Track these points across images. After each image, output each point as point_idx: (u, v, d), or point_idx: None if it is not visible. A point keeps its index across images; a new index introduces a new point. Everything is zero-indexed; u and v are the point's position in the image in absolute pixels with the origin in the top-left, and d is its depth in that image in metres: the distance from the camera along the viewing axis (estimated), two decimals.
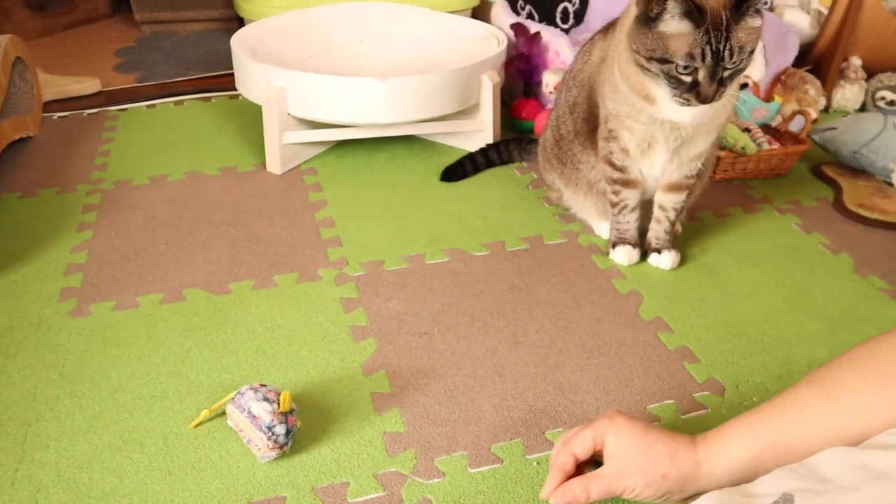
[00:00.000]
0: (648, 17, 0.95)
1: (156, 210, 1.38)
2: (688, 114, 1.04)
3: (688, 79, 0.97)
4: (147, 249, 1.26)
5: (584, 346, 1.06)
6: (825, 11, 1.98)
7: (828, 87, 1.91)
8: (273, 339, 1.05)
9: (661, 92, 1.02)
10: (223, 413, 0.92)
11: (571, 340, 1.07)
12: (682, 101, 0.99)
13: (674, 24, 0.94)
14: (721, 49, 0.93)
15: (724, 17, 0.92)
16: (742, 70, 0.98)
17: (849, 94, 1.93)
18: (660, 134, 1.09)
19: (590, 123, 1.19)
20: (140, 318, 1.10)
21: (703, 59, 0.94)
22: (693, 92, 0.97)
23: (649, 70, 0.99)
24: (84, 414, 0.92)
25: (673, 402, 0.97)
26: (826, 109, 1.92)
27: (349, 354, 1.03)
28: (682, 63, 0.95)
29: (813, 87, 1.86)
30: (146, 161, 1.57)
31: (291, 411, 0.86)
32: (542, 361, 1.02)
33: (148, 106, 1.86)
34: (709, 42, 0.93)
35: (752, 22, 0.94)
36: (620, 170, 1.17)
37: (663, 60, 0.96)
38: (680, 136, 1.09)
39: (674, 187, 1.19)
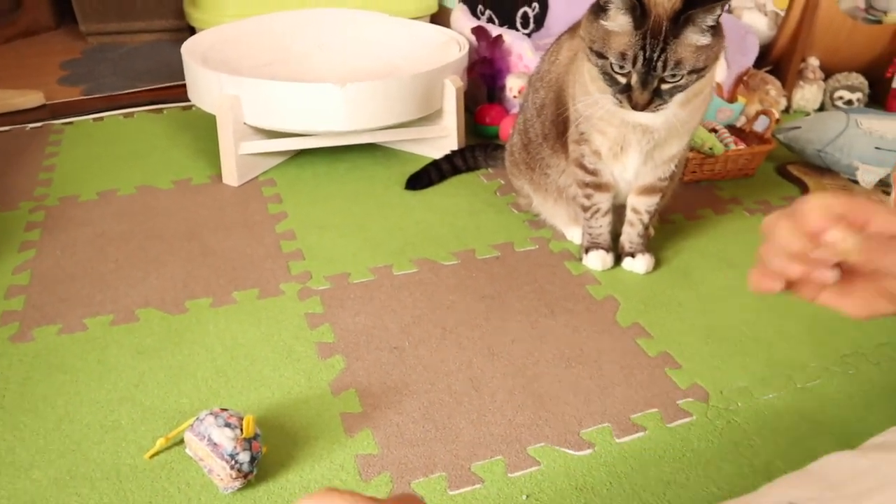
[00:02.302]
0: (599, 7, 0.94)
1: (104, 226, 1.30)
2: (660, 116, 1.01)
3: (622, 79, 0.95)
4: (95, 268, 1.18)
5: (562, 355, 1.01)
6: (781, 13, 1.99)
7: (787, 88, 1.91)
8: (234, 360, 0.99)
9: None
10: (181, 441, 0.85)
11: (548, 350, 1.02)
12: (615, 101, 0.97)
13: (616, 20, 0.92)
14: (654, 57, 0.91)
15: (664, 27, 0.90)
16: (682, 87, 0.95)
17: (808, 94, 1.93)
18: (632, 137, 1.06)
19: (559, 126, 1.16)
20: (88, 341, 1.02)
21: (635, 63, 0.92)
22: (626, 95, 0.95)
23: (591, 61, 0.98)
24: (26, 448, 0.85)
25: (657, 410, 0.93)
26: (786, 110, 1.92)
27: (316, 373, 0.97)
28: (615, 61, 0.93)
29: (774, 88, 1.86)
30: (94, 175, 1.49)
31: (256, 437, 0.80)
32: (519, 373, 0.98)
33: (95, 119, 1.77)
34: (643, 47, 0.91)
35: (695, 38, 0.91)
36: (592, 173, 1.13)
37: (600, 55, 0.95)
38: (653, 139, 1.06)
39: (647, 190, 1.16)
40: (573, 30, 1.16)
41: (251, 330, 1.04)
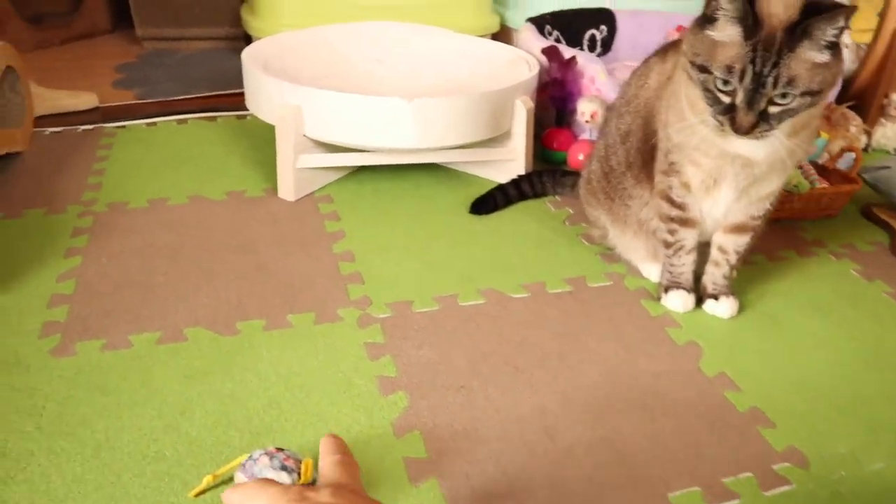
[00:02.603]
0: (705, 18, 0.86)
1: (154, 236, 1.24)
2: (763, 148, 0.92)
3: (726, 98, 0.86)
4: (143, 280, 1.12)
5: (644, 405, 0.92)
6: (862, 46, 1.89)
7: (868, 125, 1.81)
8: (288, 390, 0.91)
9: None
10: (230, 480, 0.77)
11: (629, 398, 0.93)
12: (716, 122, 0.88)
13: (725, 29, 0.84)
14: (764, 73, 0.82)
15: (777, 38, 0.81)
16: (792, 111, 0.85)
17: (889, 132, 1.82)
18: (729, 170, 0.97)
19: (645, 155, 1.07)
20: (133, 360, 0.95)
21: (742, 79, 0.83)
22: (728, 116, 0.86)
23: (692, 78, 0.89)
24: (62, 476, 0.78)
25: (751, 475, 0.83)
26: (865, 148, 1.82)
27: (377, 410, 0.89)
28: (720, 75, 0.84)
29: (854, 124, 1.75)
30: (144, 182, 1.43)
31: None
32: (598, 423, 0.89)
33: (148, 124, 1.72)
34: (753, 60, 0.82)
35: (812, 54, 0.82)
36: (679, 207, 1.05)
37: (703, 68, 0.86)
38: (752, 174, 0.97)
39: (737, 228, 1.07)
40: (664, 53, 1.08)
41: (307, 358, 0.97)
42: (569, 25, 1.87)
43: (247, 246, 1.22)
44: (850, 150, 1.49)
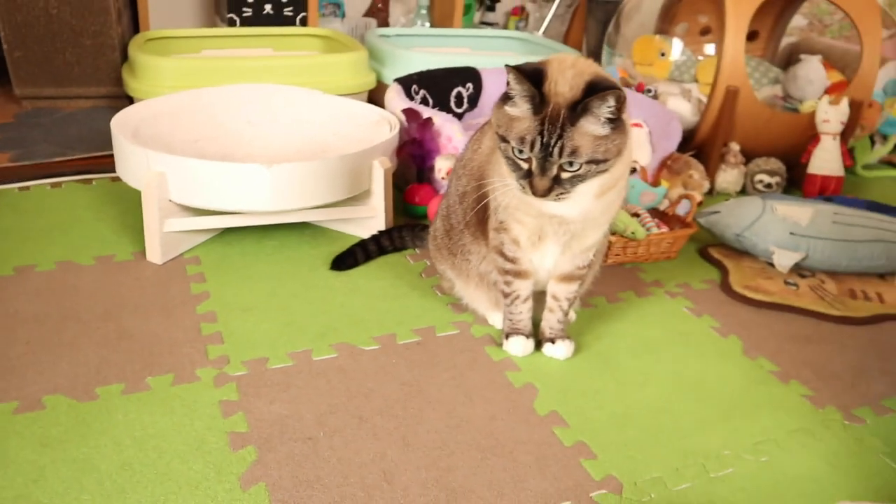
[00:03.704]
0: (506, 95, 0.99)
1: (18, 305, 1.27)
2: (575, 208, 1.04)
3: (524, 165, 0.99)
4: (3, 351, 1.14)
5: (478, 445, 1.01)
6: (705, 100, 2.08)
7: (710, 171, 1.99)
8: (142, 451, 0.96)
9: None
10: None
11: (464, 440, 1.02)
12: (519, 186, 1.01)
13: (519, 106, 0.97)
14: (551, 143, 0.95)
15: (562, 114, 0.94)
16: (582, 177, 0.98)
17: (730, 177, 2.01)
18: (549, 228, 1.09)
19: (480, 214, 1.18)
20: None
21: (532, 147, 0.96)
22: (528, 181, 0.99)
23: (498, 146, 1.02)
24: None
25: (570, 503, 0.93)
26: (710, 192, 1.99)
27: (226, 466, 0.95)
28: (515, 145, 0.98)
29: (697, 172, 1.93)
30: (12, 249, 1.45)
31: None
32: (433, 465, 0.97)
33: (21, 188, 1.74)
34: (541, 132, 0.95)
35: (592, 128, 0.95)
36: (512, 261, 1.16)
37: (504, 138, 0.99)
38: (569, 230, 1.09)
39: (566, 278, 1.18)
40: None
41: (163, 419, 1.02)
42: (435, 84, 1.99)
43: (111, 311, 1.26)
44: (687, 197, 1.65)
